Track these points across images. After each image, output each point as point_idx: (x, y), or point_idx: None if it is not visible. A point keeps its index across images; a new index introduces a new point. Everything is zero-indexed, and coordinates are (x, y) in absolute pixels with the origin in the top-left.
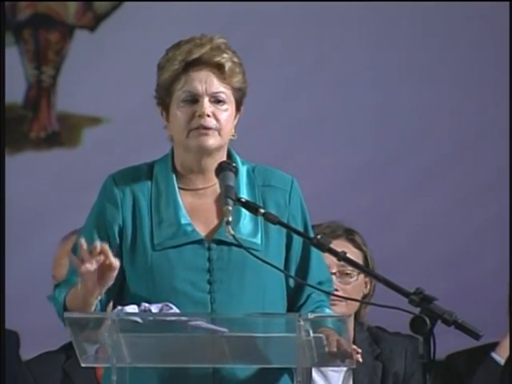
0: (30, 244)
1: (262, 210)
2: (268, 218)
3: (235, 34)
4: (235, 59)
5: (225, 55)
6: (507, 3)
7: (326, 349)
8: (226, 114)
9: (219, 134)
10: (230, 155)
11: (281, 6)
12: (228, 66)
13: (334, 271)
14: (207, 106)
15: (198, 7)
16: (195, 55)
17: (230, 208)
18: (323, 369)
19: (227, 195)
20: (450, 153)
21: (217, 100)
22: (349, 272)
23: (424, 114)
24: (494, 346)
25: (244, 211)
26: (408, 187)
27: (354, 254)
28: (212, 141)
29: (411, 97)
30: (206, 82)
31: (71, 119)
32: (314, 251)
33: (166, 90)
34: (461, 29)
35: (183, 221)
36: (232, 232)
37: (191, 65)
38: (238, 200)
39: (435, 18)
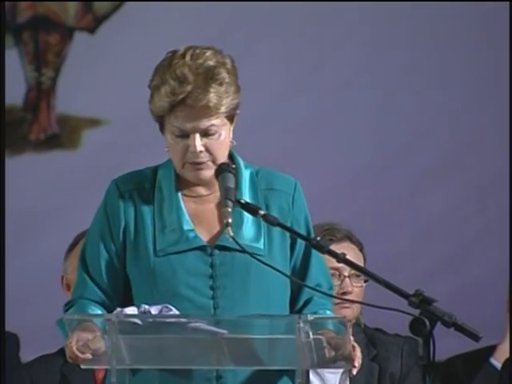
0: (29, 246)
1: (262, 212)
2: (268, 219)
3: (234, 35)
4: (226, 79)
5: (211, 93)
6: (507, 3)
7: (326, 350)
8: (219, 142)
9: (214, 163)
10: (232, 158)
11: (281, 6)
12: (213, 103)
13: (346, 274)
14: (198, 142)
15: (197, 10)
16: (180, 96)
17: (230, 209)
18: (320, 370)
19: (226, 197)
20: (450, 154)
21: (208, 134)
22: (359, 274)
23: (424, 115)
24: (493, 350)
25: (247, 216)
26: (407, 189)
27: (358, 256)
28: (207, 173)
29: (411, 97)
30: (194, 122)
31: (71, 121)
32: (315, 255)
33: (158, 118)
34: (461, 29)
35: (186, 227)
36: (231, 233)
37: (177, 104)
38: (237, 201)
39: (435, 18)
